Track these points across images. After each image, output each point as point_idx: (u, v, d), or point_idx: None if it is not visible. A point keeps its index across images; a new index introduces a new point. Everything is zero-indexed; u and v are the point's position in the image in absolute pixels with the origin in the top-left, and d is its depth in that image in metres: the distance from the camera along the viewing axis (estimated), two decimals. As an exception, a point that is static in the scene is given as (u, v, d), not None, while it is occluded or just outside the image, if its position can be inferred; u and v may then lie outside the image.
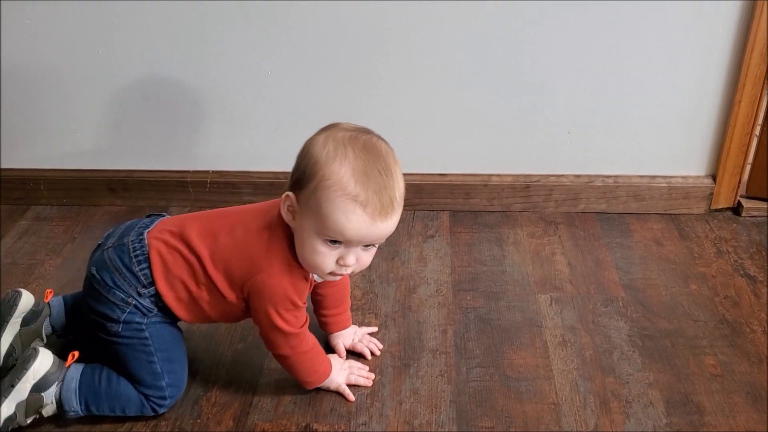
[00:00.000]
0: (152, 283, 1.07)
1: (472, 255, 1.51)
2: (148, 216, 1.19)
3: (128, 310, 1.08)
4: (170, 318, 1.12)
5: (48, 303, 1.21)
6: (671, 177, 1.61)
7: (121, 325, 1.08)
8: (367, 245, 1.04)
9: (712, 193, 1.60)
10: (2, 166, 1.67)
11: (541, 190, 1.62)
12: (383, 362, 1.25)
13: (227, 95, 1.55)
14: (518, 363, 1.24)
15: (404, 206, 1.60)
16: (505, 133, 1.57)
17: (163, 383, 1.11)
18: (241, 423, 1.14)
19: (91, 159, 1.65)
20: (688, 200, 1.61)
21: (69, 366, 1.12)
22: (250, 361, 1.25)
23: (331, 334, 1.27)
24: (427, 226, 1.61)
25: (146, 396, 1.11)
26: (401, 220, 1.58)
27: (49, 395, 1.09)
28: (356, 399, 1.18)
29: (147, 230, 1.11)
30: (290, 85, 1.53)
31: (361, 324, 1.32)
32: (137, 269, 1.07)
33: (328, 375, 1.17)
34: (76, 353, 1.13)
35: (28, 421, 1.10)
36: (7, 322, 1.16)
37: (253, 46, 1.49)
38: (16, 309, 1.17)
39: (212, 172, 1.64)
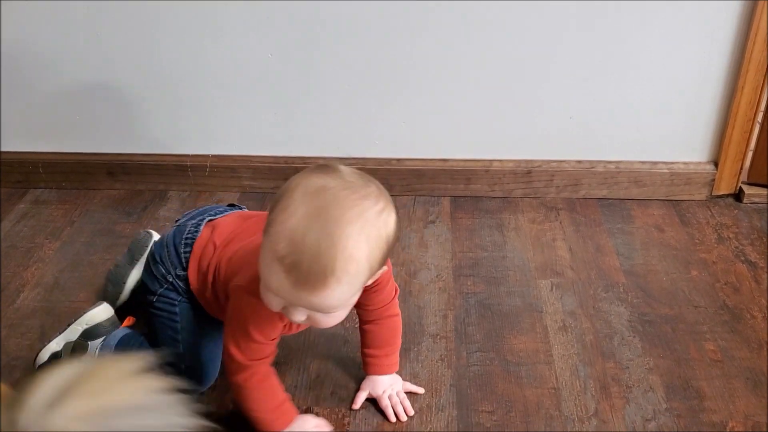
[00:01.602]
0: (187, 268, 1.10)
1: (473, 240, 1.51)
2: (230, 205, 1.21)
3: (165, 286, 1.12)
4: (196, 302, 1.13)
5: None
6: (673, 163, 1.60)
7: (156, 296, 1.12)
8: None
9: (713, 180, 1.59)
10: (1, 149, 1.66)
11: (542, 175, 1.61)
12: (383, 346, 1.25)
13: (227, 79, 1.54)
14: (518, 348, 1.24)
15: (406, 192, 1.64)
16: (506, 119, 1.57)
17: (184, 364, 1.10)
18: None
19: (90, 142, 1.64)
20: (690, 186, 1.61)
21: (121, 327, 1.18)
22: (250, 345, 1.25)
23: (366, 375, 1.16)
24: (428, 212, 1.60)
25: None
26: (402, 206, 1.61)
27: (94, 346, 1.15)
28: (357, 383, 1.17)
29: (211, 218, 1.13)
30: (291, 69, 1.52)
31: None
32: (182, 251, 1.11)
33: (279, 429, 1.05)
34: (132, 319, 1.19)
35: None
36: (137, 261, 1.26)
37: (253, 28, 1.48)
38: (146, 250, 1.24)
39: (212, 156, 1.64)
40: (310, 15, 1.46)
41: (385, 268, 0.94)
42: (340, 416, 1.12)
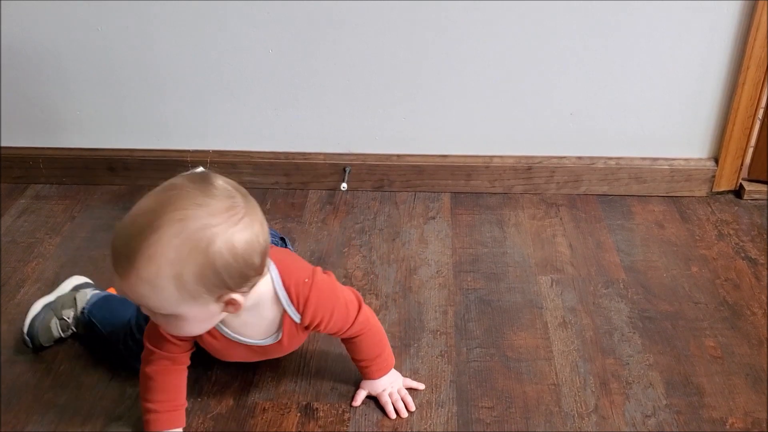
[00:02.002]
0: None
1: (473, 236, 1.51)
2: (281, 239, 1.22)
3: None
4: None
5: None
6: (673, 159, 1.60)
7: None
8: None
9: (714, 176, 1.59)
10: (1, 145, 1.66)
11: (542, 171, 1.61)
12: (384, 342, 1.25)
13: (228, 74, 1.54)
14: (518, 344, 1.24)
15: (406, 188, 1.64)
16: (506, 115, 1.57)
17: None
18: (242, 402, 1.14)
19: (91, 138, 1.64)
20: (690, 183, 1.61)
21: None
22: (250, 341, 1.25)
23: (364, 380, 1.16)
24: (428, 208, 1.60)
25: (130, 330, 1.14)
26: (402, 202, 1.61)
27: (84, 293, 1.25)
28: (356, 379, 1.17)
29: None
30: (291, 65, 1.52)
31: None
32: None
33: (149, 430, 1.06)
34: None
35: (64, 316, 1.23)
36: None
37: (253, 25, 1.48)
38: None
39: (212, 151, 1.64)
40: (310, 11, 1.46)
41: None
42: (340, 412, 1.13)
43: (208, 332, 1.00)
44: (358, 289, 1.35)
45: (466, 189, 1.64)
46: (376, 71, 1.52)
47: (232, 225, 0.85)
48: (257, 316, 1.00)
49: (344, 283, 1.36)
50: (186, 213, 0.83)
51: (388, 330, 1.27)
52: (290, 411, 1.13)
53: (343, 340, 1.12)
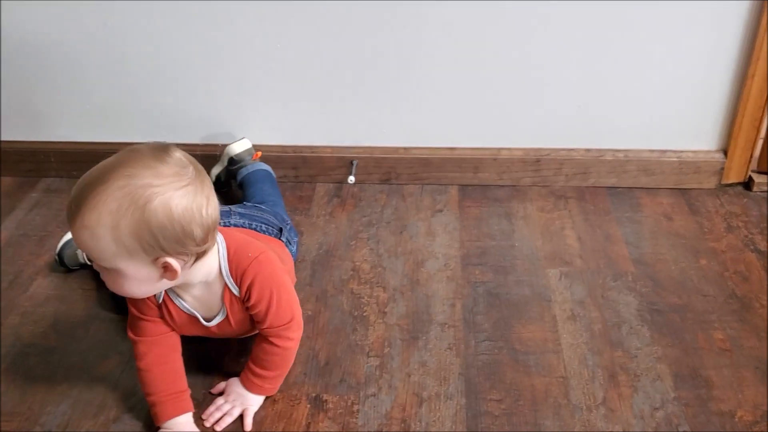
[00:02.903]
0: None
1: (480, 229, 1.51)
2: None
3: None
4: None
5: (244, 163, 1.54)
6: (682, 151, 1.60)
7: None
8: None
9: (723, 168, 1.59)
10: (12, 139, 1.67)
11: (551, 164, 1.61)
12: (392, 335, 1.26)
13: (236, 69, 1.55)
14: (527, 337, 1.25)
15: (413, 180, 1.64)
16: (514, 107, 1.57)
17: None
18: (252, 394, 1.15)
19: (100, 131, 1.65)
20: (699, 175, 1.60)
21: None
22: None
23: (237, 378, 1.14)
24: (435, 200, 1.61)
25: None
26: (410, 194, 1.61)
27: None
28: (365, 371, 1.19)
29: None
30: (299, 59, 1.52)
31: (370, 296, 1.33)
32: None
33: (158, 422, 1.08)
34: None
35: None
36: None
37: (262, 19, 1.48)
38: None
39: (221, 145, 1.64)
40: (319, 5, 1.46)
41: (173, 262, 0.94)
42: (349, 403, 1.13)
43: (170, 306, 1.06)
44: (365, 282, 1.37)
45: (474, 181, 1.65)
46: (383, 64, 1.52)
47: (173, 189, 0.90)
48: (207, 291, 1.05)
49: (352, 276, 1.38)
50: (134, 171, 0.89)
51: (396, 323, 1.28)
52: (300, 402, 1.14)
53: (261, 339, 1.10)
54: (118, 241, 0.90)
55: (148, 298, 1.05)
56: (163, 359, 1.09)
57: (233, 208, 1.29)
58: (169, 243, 0.91)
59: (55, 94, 1.61)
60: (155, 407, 1.08)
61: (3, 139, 1.67)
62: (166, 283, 0.98)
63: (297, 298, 1.11)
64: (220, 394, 1.15)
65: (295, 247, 1.35)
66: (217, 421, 1.11)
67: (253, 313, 1.07)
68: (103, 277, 0.98)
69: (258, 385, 1.12)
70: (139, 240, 0.90)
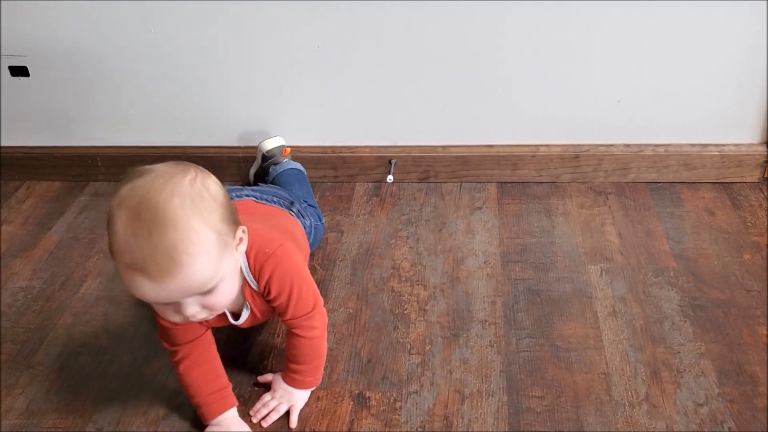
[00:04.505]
0: None
1: (520, 226, 1.51)
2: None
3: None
4: None
5: (275, 159, 1.57)
6: (723, 145, 1.58)
7: None
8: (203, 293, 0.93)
9: (766, 161, 1.56)
10: (61, 144, 1.72)
11: (590, 160, 1.61)
12: (433, 332, 1.27)
13: (276, 72, 1.57)
14: (568, 334, 1.25)
15: (451, 178, 1.65)
16: (553, 103, 1.56)
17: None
18: (297, 391, 1.17)
19: (146, 136, 1.69)
20: (741, 168, 1.58)
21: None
22: (303, 332, 1.28)
23: (281, 374, 1.16)
24: (474, 198, 1.61)
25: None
26: (448, 192, 1.62)
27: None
28: (407, 368, 1.20)
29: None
30: (337, 60, 1.54)
31: (411, 294, 1.35)
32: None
33: (206, 421, 1.10)
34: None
35: None
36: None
37: (300, 21, 1.50)
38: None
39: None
40: (356, 7, 1.47)
41: (243, 235, 0.97)
42: (391, 400, 1.15)
43: None
44: (405, 280, 1.38)
45: (513, 178, 1.65)
46: (420, 63, 1.53)
47: (199, 173, 0.94)
48: (232, 284, 0.99)
49: (392, 274, 1.40)
50: (169, 187, 0.89)
51: (437, 320, 1.29)
52: (343, 400, 1.16)
53: (289, 335, 1.12)
54: (217, 234, 0.90)
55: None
56: (201, 360, 1.11)
57: (245, 188, 1.33)
58: (232, 210, 0.95)
59: (102, 100, 1.65)
60: (201, 408, 1.11)
61: (53, 144, 1.72)
62: (239, 267, 1.00)
63: (316, 286, 1.11)
64: (266, 385, 1.17)
65: (310, 223, 1.35)
66: (263, 418, 1.13)
67: (275, 305, 1.08)
68: (214, 302, 0.94)
69: (299, 380, 1.14)
70: (223, 219, 0.92)
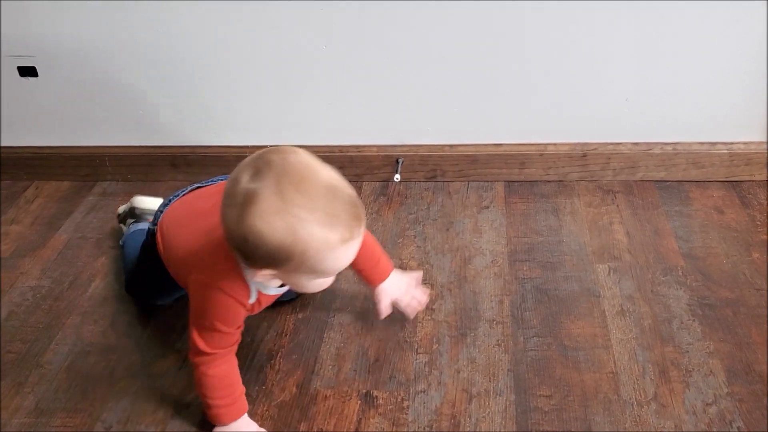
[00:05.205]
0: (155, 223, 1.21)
1: (527, 225, 1.51)
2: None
3: (153, 222, 1.24)
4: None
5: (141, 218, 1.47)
6: (732, 143, 1.57)
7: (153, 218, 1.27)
8: None
9: (776, 159, 1.56)
10: (70, 144, 1.73)
11: (598, 158, 1.60)
12: (440, 331, 1.27)
13: (283, 71, 1.57)
14: (576, 333, 1.24)
15: (459, 177, 1.65)
16: (560, 102, 1.56)
17: (128, 276, 1.34)
18: (304, 390, 1.18)
19: (153, 136, 1.69)
20: (750, 167, 1.57)
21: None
22: (311, 331, 1.29)
23: (372, 288, 1.23)
24: (481, 197, 1.61)
25: (125, 268, 1.35)
26: (456, 192, 1.62)
27: (129, 223, 1.46)
28: (414, 367, 1.20)
29: (199, 185, 1.23)
30: (344, 59, 1.54)
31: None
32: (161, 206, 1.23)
33: (226, 422, 1.09)
34: None
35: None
36: None
37: (307, 21, 1.50)
38: None
39: (270, 146, 1.67)
40: (362, 5, 1.47)
41: None
42: (399, 399, 1.15)
43: (260, 298, 1.08)
44: (414, 280, 1.38)
45: (520, 177, 1.64)
46: (427, 62, 1.53)
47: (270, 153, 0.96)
48: None
49: (401, 274, 1.39)
50: (292, 156, 0.92)
51: (444, 319, 1.29)
52: (351, 399, 1.16)
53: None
54: None
55: (244, 305, 1.05)
56: (230, 365, 1.10)
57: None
58: None
59: (109, 100, 1.65)
60: (217, 410, 1.09)
61: (61, 144, 1.72)
62: None
63: None
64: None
65: None
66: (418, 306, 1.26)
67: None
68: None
69: (384, 267, 1.23)
70: None
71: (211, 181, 1.23)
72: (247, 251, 0.92)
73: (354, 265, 1.16)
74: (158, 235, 1.19)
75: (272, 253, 0.90)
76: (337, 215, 0.89)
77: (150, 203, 1.46)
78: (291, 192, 0.87)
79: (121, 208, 1.52)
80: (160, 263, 1.19)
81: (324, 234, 0.89)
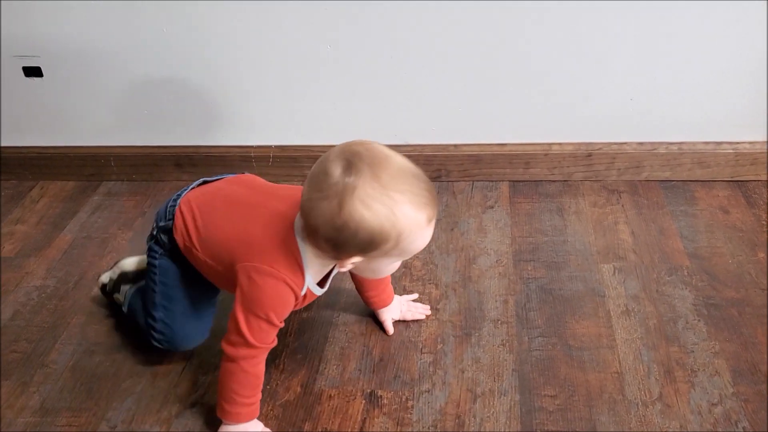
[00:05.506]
0: (173, 216, 1.14)
1: (532, 225, 1.51)
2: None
3: (149, 239, 1.19)
4: (186, 264, 1.16)
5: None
6: (738, 143, 1.57)
7: (146, 246, 1.19)
8: None
9: (781, 159, 1.55)
10: (75, 144, 1.73)
11: (603, 158, 1.60)
12: (444, 331, 1.27)
13: (287, 71, 1.57)
14: (581, 332, 1.24)
15: (463, 177, 1.64)
16: (565, 101, 1.56)
17: (156, 314, 1.18)
18: (309, 389, 1.18)
19: (158, 136, 1.70)
20: (756, 166, 1.57)
21: None
22: (315, 330, 1.29)
23: (378, 310, 1.28)
24: (486, 197, 1.61)
25: (146, 321, 1.20)
26: (460, 191, 1.62)
27: (124, 290, 1.30)
28: (419, 367, 1.20)
29: (207, 179, 1.20)
30: (348, 60, 1.54)
31: (422, 293, 1.35)
32: (170, 203, 1.16)
33: (244, 420, 1.08)
34: None
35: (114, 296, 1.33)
36: None
37: (311, 22, 1.50)
38: None
39: (274, 146, 1.67)
40: (366, 6, 1.47)
41: None
42: (403, 399, 1.15)
43: (306, 293, 1.08)
44: (417, 279, 1.38)
45: (525, 177, 1.64)
46: (431, 62, 1.53)
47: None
48: None
49: (404, 273, 1.40)
50: (369, 145, 0.97)
51: (449, 319, 1.29)
52: (355, 398, 1.16)
53: (358, 278, 1.23)
54: None
55: (297, 299, 1.06)
56: (262, 364, 1.08)
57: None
58: None
59: (114, 100, 1.66)
60: (240, 408, 1.07)
61: (66, 144, 1.73)
62: None
63: None
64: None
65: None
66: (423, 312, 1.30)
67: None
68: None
69: (391, 291, 1.27)
70: None
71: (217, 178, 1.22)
72: (342, 239, 0.94)
73: (364, 290, 1.25)
74: (183, 218, 1.13)
75: (371, 237, 0.93)
76: (423, 196, 0.94)
77: (140, 261, 1.32)
78: (385, 177, 0.92)
79: (105, 276, 1.35)
80: (184, 266, 1.16)
81: (415, 214, 0.94)
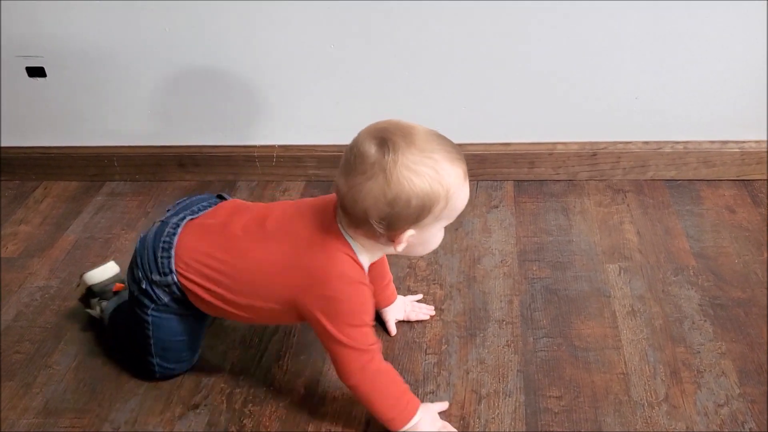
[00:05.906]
0: (170, 272, 1.07)
1: (537, 225, 1.50)
2: (218, 196, 1.18)
3: (138, 291, 1.10)
4: (186, 308, 1.11)
5: (105, 296, 1.30)
6: (744, 142, 1.56)
7: (132, 297, 1.13)
8: None
9: (788, 158, 1.54)
10: (78, 144, 1.73)
11: (608, 157, 1.59)
12: (449, 332, 1.26)
13: (291, 71, 1.57)
14: (586, 333, 1.23)
15: (468, 177, 1.63)
16: (570, 100, 1.55)
17: (153, 361, 1.16)
18: (312, 390, 1.17)
19: (161, 136, 1.69)
20: (762, 165, 1.56)
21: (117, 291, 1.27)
22: (319, 331, 1.28)
23: (381, 310, 1.27)
24: (490, 197, 1.60)
25: (141, 356, 1.17)
26: (465, 191, 1.61)
27: (93, 302, 1.28)
28: (423, 368, 1.20)
29: (192, 217, 1.10)
30: (351, 59, 1.54)
31: (427, 293, 1.34)
32: (159, 255, 1.07)
33: (414, 414, 1.05)
34: (122, 286, 1.25)
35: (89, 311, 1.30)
36: None
37: (314, 20, 1.50)
38: None
39: (278, 146, 1.67)
40: (368, 5, 1.47)
41: None
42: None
43: None
44: (422, 279, 1.37)
45: (530, 177, 1.63)
46: (435, 62, 1.53)
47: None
48: None
49: (408, 274, 1.39)
50: (397, 123, 1.02)
51: (453, 319, 1.28)
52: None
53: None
54: None
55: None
56: (384, 361, 1.06)
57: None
58: None
59: (117, 100, 1.65)
60: (402, 404, 1.05)
61: (69, 144, 1.73)
62: None
63: None
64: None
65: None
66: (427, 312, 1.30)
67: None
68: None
69: (394, 289, 1.28)
70: None
71: (179, 205, 1.15)
72: (396, 213, 0.94)
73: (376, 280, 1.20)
74: (198, 284, 1.06)
75: (424, 202, 0.94)
76: (455, 151, 0.97)
77: (101, 273, 1.29)
78: (419, 142, 0.95)
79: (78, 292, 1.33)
80: (179, 313, 1.12)
81: (454, 169, 0.96)
